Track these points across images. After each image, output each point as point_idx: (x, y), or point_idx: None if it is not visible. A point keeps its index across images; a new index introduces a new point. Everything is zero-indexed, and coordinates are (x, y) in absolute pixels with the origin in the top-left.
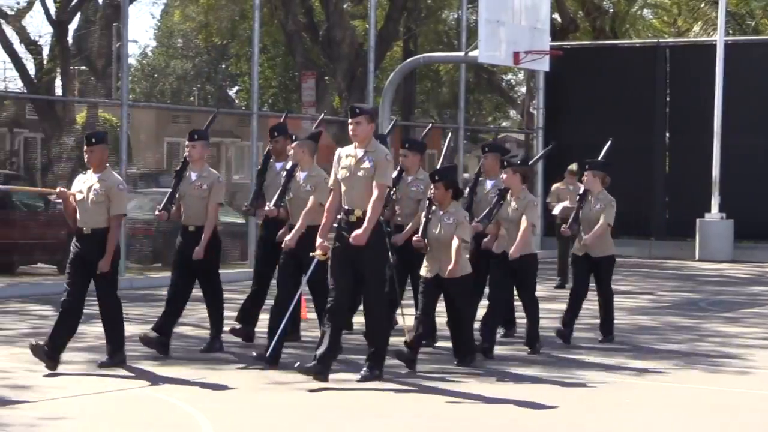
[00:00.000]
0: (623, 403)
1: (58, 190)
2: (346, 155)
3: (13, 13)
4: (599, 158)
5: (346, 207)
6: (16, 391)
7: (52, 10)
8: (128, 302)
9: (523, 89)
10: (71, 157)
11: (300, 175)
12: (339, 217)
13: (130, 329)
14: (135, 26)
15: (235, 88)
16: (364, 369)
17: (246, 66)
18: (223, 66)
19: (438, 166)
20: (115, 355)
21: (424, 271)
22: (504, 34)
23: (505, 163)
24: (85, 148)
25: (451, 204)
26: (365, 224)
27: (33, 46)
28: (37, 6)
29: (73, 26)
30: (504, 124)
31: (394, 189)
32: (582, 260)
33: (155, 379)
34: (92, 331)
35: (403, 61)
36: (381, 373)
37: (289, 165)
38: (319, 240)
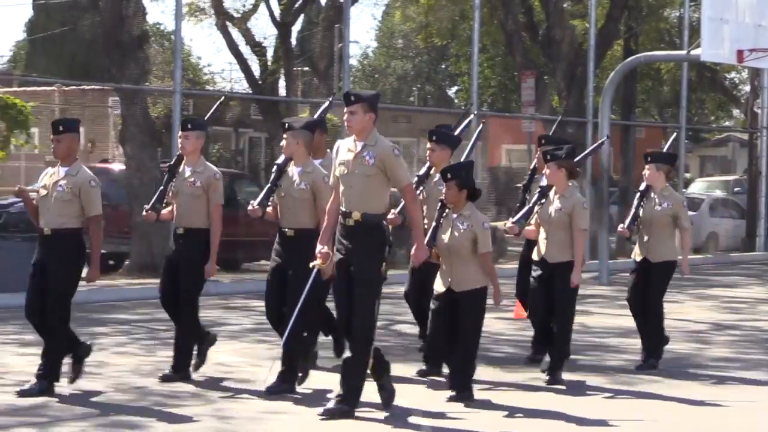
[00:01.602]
0: None
1: (17, 188)
2: (346, 149)
3: (239, 15)
4: (664, 150)
5: (344, 209)
6: (239, 384)
7: (277, 12)
8: None
9: (747, 88)
10: None
11: (293, 171)
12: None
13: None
14: (356, 27)
15: (455, 88)
16: (332, 399)
17: (465, 66)
18: (443, 66)
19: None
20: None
21: (437, 285)
22: (728, 31)
23: (548, 156)
24: (51, 137)
25: (466, 206)
26: (416, 233)
27: (258, 48)
28: (262, 8)
29: (296, 28)
30: (727, 123)
31: (420, 188)
32: (641, 266)
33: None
34: None
35: (624, 60)
36: (351, 408)
37: (281, 159)
38: (318, 246)
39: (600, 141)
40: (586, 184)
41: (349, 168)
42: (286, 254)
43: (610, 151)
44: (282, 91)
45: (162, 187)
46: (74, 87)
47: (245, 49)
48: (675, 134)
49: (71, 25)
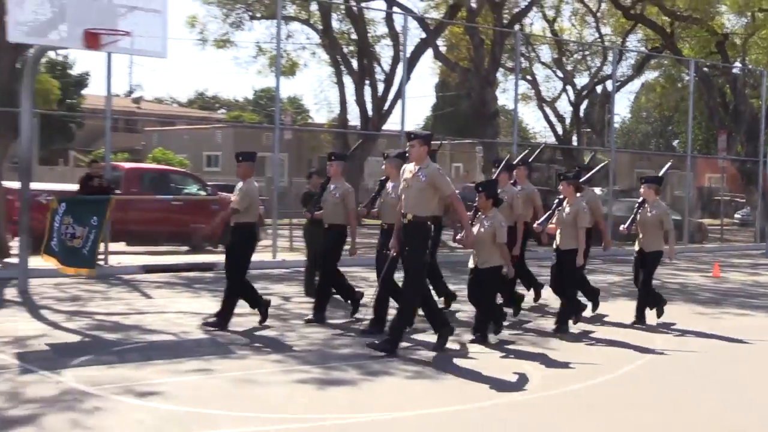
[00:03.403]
0: None
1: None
2: (408, 171)
3: (549, 99)
4: (659, 174)
5: (403, 211)
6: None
7: (572, 97)
8: None
9: None
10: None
11: (389, 186)
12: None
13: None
14: (618, 105)
15: (676, 141)
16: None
17: (683, 127)
18: (669, 127)
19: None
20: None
21: (470, 263)
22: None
23: (561, 177)
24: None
25: (491, 210)
26: (465, 225)
27: (560, 118)
28: (563, 96)
29: (583, 106)
30: None
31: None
32: (638, 254)
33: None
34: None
35: None
36: (393, 349)
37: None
38: (393, 240)
39: (602, 164)
40: (759, 196)
41: (408, 183)
42: (385, 241)
43: None
44: (574, 142)
45: (315, 198)
46: (457, 141)
47: (553, 119)
48: (669, 164)
49: (456, 106)
